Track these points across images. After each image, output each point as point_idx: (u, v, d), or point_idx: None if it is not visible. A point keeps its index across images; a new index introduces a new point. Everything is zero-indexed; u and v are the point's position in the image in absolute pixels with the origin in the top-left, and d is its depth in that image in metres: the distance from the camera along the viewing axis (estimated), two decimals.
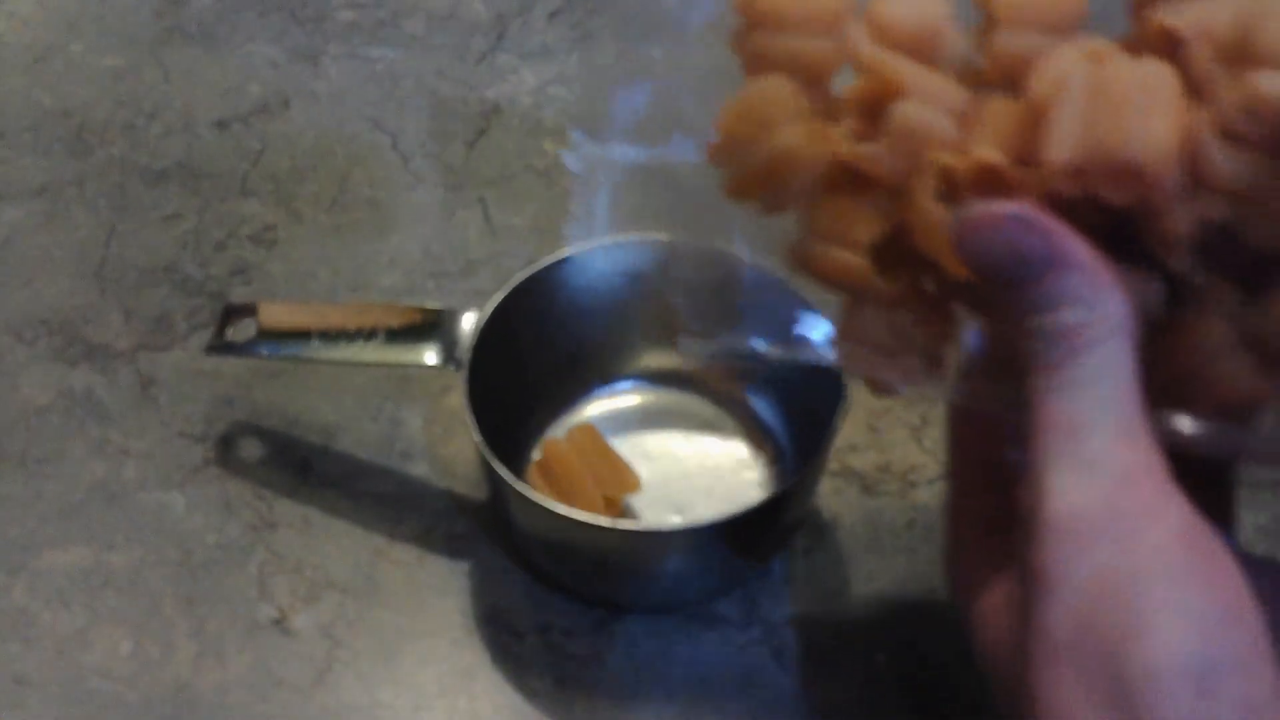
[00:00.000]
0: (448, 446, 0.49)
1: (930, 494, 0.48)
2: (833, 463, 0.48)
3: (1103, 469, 0.30)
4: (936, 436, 0.49)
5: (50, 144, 0.59)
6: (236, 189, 0.57)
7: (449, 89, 0.61)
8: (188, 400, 0.50)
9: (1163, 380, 0.33)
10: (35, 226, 0.56)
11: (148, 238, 0.55)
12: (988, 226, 0.31)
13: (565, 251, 0.46)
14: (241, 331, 0.46)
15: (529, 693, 0.43)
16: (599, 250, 0.46)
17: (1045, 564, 0.30)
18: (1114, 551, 0.30)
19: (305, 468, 0.48)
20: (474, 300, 0.46)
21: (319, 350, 0.45)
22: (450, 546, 0.47)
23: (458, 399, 0.50)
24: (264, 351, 0.45)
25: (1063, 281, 0.31)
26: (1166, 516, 0.30)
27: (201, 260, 0.55)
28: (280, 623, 0.45)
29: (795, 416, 0.48)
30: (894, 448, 0.49)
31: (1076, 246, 0.31)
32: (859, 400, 0.50)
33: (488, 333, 0.44)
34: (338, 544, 0.47)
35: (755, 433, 0.48)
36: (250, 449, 0.49)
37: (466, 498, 0.48)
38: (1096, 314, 0.30)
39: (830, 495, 0.48)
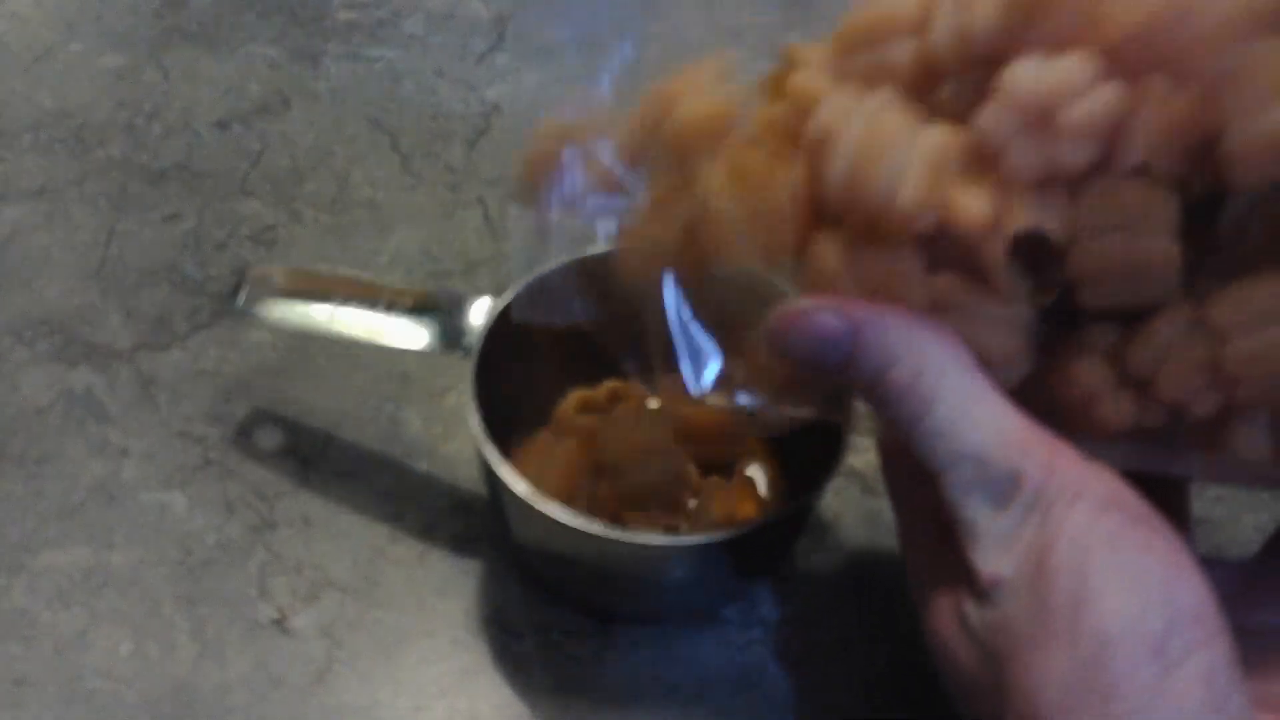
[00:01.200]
0: (448, 446, 0.49)
1: None
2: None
3: (1008, 480, 0.31)
4: None
5: (50, 144, 0.59)
6: (236, 189, 0.57)
7: (449, 89, 0.61)
8: (188, 400, 0.50)
9: (1060, 410, 0.33)
10: (35, 226, 0.56)
11: (148, 238, 0.55)
12: (787, 324, 0.33)
13: (582, 251, 0.46)
14: (257, 294, 0.46)
15: (529, 693, 0.43)
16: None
17: (985, 567, 0.31)
18: (1047, 526, 0.30)
19: (305, 467, 0.48)
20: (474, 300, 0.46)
21: (330, 323, 0.45)
22: (451, 546, 0.47)
23: (457, 398, 0.50)
24: (278, 316, 0.46)
25: (872, 344, 0.32)
26: (1093, 486, 0.31)
27: (201, 260, 0.55)
28: (280, 623, 0.45)
29: (803, 427, 0.47)
30: None
31: (871, 311, 0.32)
32: (859, 401, 0.50)
33: (499, 325, 0.44)
34: (338, 544, 0.47)
35: (761, 442, 0.48)
36: (250, 448, 0.49)
37: (467, 498, 0.48)
38: (919, 362, 0.32)
39: (830, 495, 0.48)
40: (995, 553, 0.31)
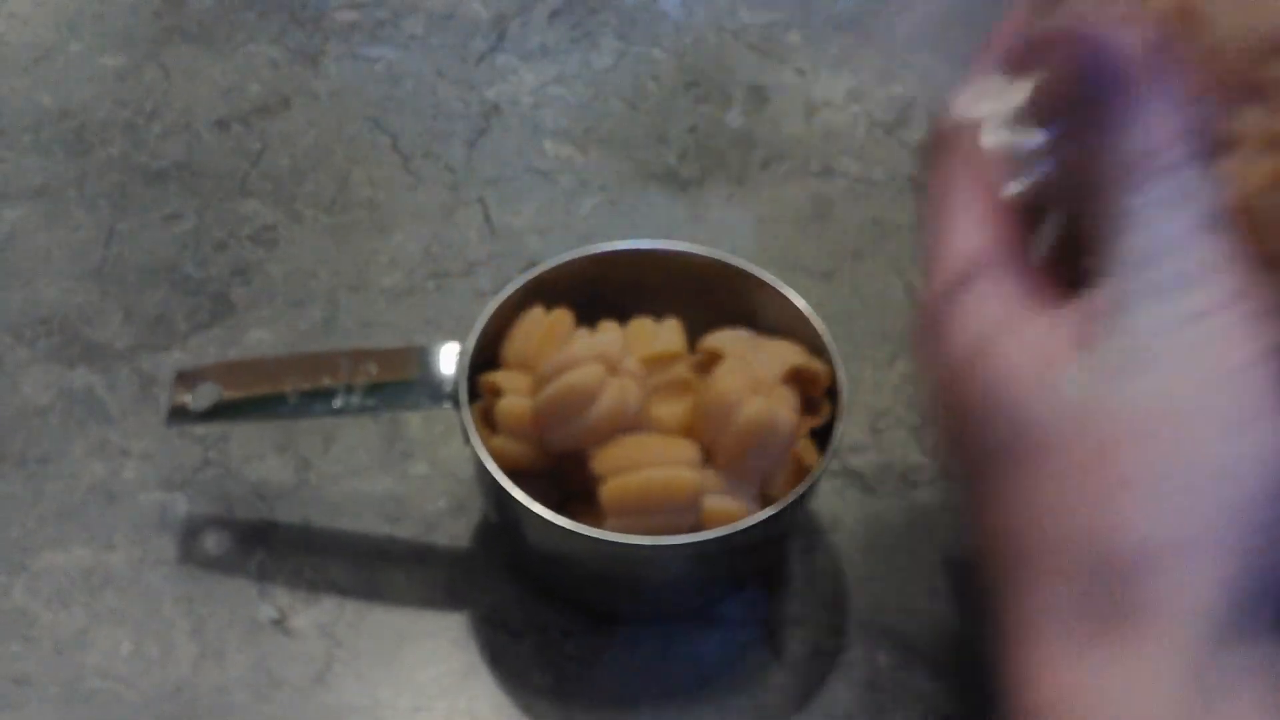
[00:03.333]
0: (448, 446, 0.49)
1: (930, 494, 0.48)
2: (833, 462, 0.48)
3: (1179, 297, 0.28)
4: (938, 437, 0.49)
5: (50, 144, 0.59)
6: (236, 189, 0.57)
7: (449, 89, 0.61)
8: None
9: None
10: (35, 226, 0.56)
11: (148, 238, 0.55)
12: (1105, 32, 0.30)
13: (545, 264, 0.46)
14: (202, 397, 0.44)
15: (529, 693, 0.43)
16: (582, 260, 0.46)
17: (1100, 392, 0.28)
18: (1159, 380, 0.28)
19: (305, 467, 0.48)
20: (475, 301, 0.46)
21: (295, 411, 0.44)
22: (450, 546, 0.47)
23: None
24: (233, 417, 0.44)
25: (1147, 102, 0.29)
26: (1233, 354, 0.28)
27: (201, 260, 0.55)
28: (280, 623, 0.45)
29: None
30: (894, 448, 0.49)
31: (1170, 75, 0.30)
32: (859, 401, 0.50)
33: (477, 360, 0.44)
34: (337, 544, 0.47)
35: None
36: (250, 448, 0.49)
37: (467, 498, 0.48)
38: (1174, 136, 0.29)
39: (830, 495, 0.48)
40: (1150, 302, 0.29)
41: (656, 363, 0.44)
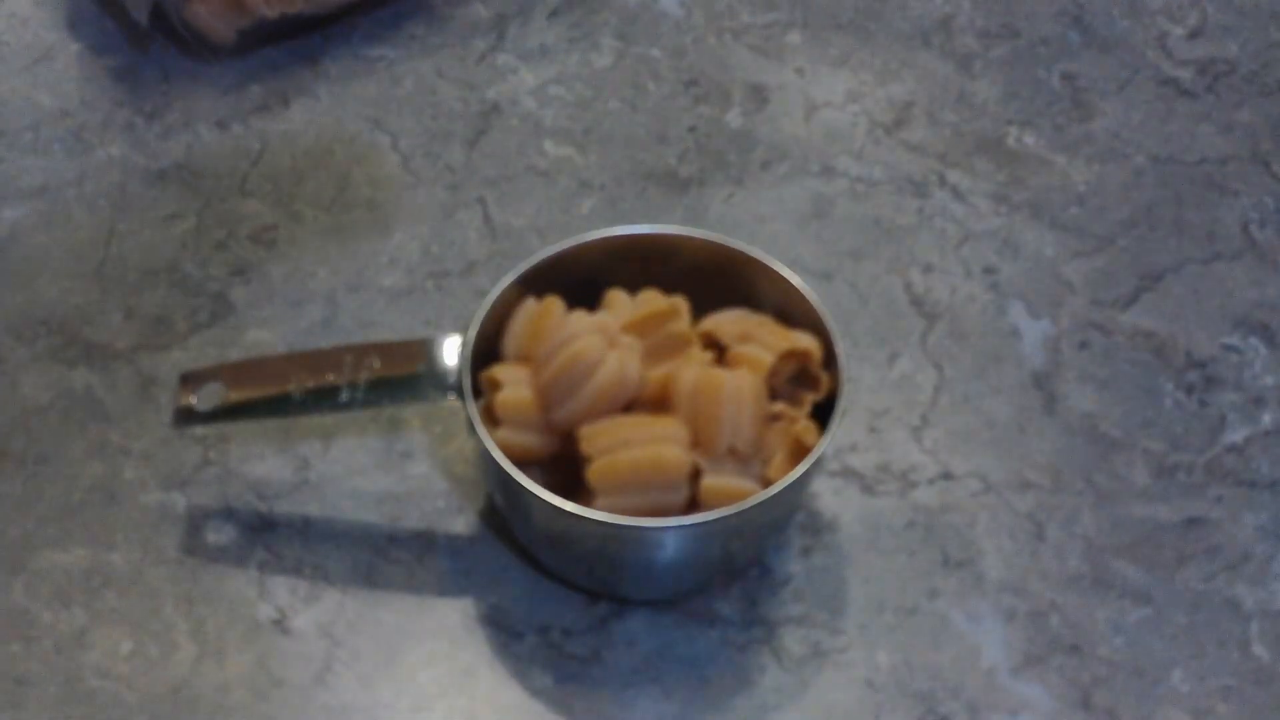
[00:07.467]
0: (448, 447, 0.49)
1: (930, 494, 0.48)
2: (833, 463, 0.48)
3: None
4: (937, 436, 0.49)
5: (50, 144, 0.59)
6: (236, 189, 0.57)
7: (449, 89, 0.61)
8: None
9: None
10: (35, 226, 0.56)
11: (148, 238, 0.55)
12: None
13: (539, 255, 0.46)
14: (207, 398, 0.45)
15: (529, 692, 0.43)
16: (578, 248, 0.46)
17: None
18: None
19: (305, 467, 0.48)
20: (475, 301, 0.46)
21: (301, 408, 0.44)
22: (450, 546, 0.47)
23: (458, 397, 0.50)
24: (238, 416, 0.45)
25: None
26: None
27: (201, 260, 0.55)
28: (280, 623, 0.45)
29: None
30: (894, 448, 0.49)
31: None
32: (859, 400, 0.50)
33: (478, 351, 0.44)
34: (338, 544, 0.47)
35: None
36: (250, 448, 0.49)
37: (466, 498, 0.48)
38: None
39: (830, 495, 0.48)
40: None
41: (649, 325, 0.44)
